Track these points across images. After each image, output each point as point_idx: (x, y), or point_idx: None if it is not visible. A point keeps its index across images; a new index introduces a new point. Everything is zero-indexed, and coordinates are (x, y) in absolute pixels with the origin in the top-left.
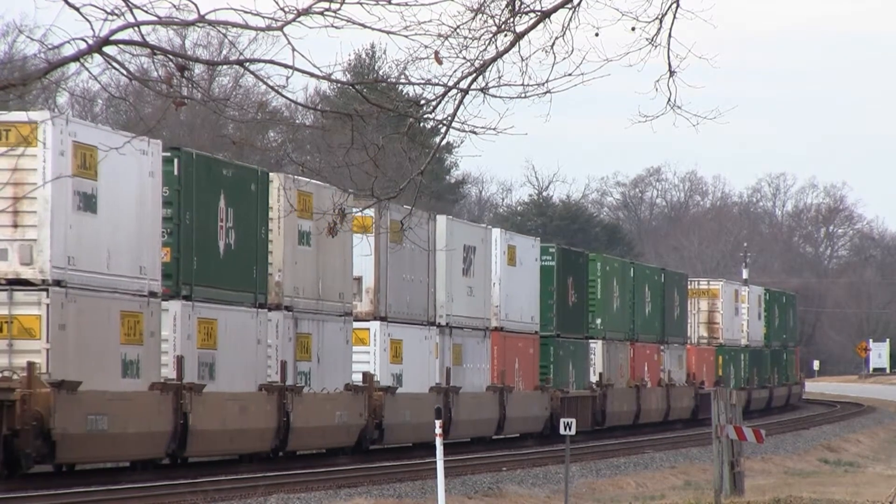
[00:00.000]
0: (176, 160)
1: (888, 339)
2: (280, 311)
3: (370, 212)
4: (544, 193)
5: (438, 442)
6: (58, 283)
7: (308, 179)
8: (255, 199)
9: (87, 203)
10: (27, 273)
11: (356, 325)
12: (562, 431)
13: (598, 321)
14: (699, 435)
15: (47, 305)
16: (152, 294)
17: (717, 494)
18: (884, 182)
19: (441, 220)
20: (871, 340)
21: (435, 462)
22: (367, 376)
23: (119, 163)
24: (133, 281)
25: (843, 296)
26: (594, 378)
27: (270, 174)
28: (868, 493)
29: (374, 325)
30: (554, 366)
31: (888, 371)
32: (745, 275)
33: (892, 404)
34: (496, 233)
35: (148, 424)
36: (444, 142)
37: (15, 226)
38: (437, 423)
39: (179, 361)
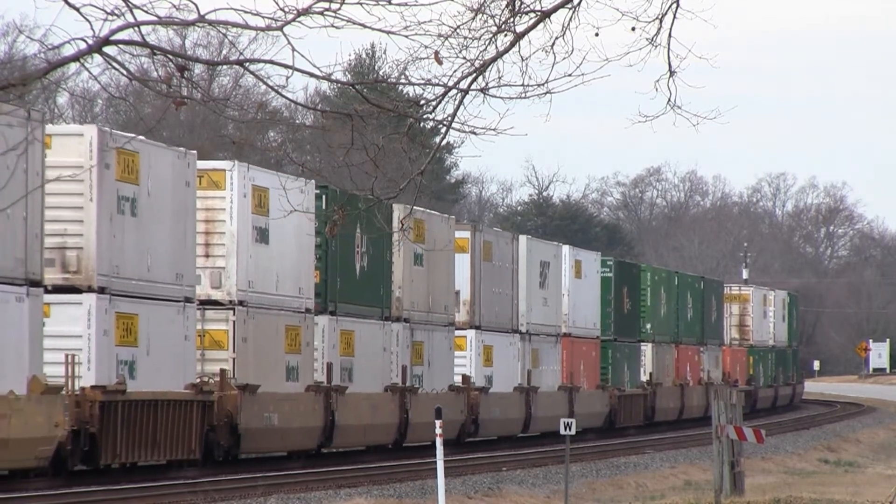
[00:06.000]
0: (324, 196)
1: (888, 339)
2: (400, 322)
3: (466, 234)
4: (544, 193)
5: (438, 442)
6: (241, 303)
7: (421, 209)
8: (382, 227)
9: (262, 236)
10: (216, 295)
11: (456, 333)
12: (562, 431)
13: (648, 326)
14: (699, 435)
15: (233, 322)
16: (307, 310)
17: (717, 494)
18: (884, 182)
19: (522, 239)
20: (871, 340)
21: (435, 462)
22: (465, 378)
23: (283, 200)
24: (294, 299)
25: (843, 296)
26: (644, 378)
27: (393, 205)
28: (868, 493)
29: (471, 333)
30: (612, 367)
31: (888, 371)
32: (745, 275)
33: (892, 404)
34: (566, 249)
35: (305, 420)
36: (444, 142)
37: (207, 256)
38: (438, 422)
39: (329, 367)
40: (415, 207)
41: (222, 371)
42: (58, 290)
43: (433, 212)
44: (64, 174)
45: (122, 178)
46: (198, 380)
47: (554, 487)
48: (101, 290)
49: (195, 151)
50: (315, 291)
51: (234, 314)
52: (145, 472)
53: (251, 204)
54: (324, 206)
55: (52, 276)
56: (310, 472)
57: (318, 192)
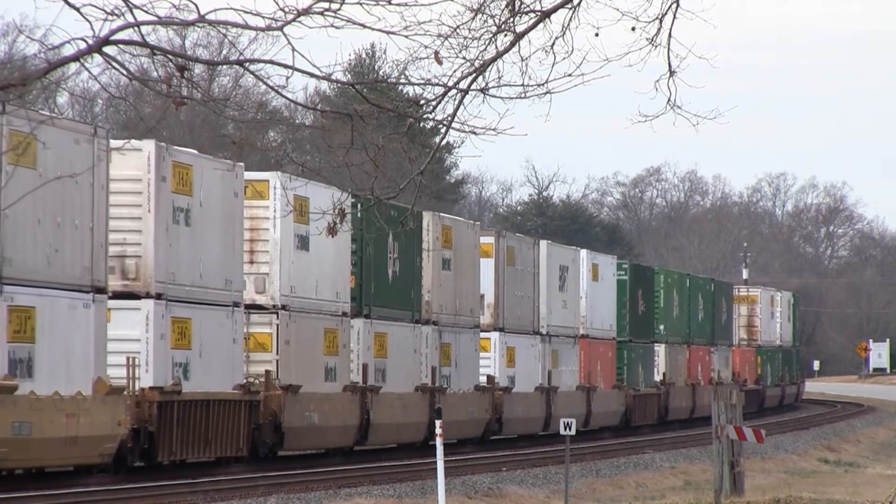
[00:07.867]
0: (358, 205)
1: (888, 339)
2: (429, 325)
3: (490, 239)
4: (544, 193)
5: (439, 442)
6: (283, 307)
7: (449, 215)
8: (412, 233)
9: (303, 243)
10: (261, 299)
11: (481, 335)
12: (562, 431)
13: (662, 327)
14: (699, 435)
15: (277, 325)
16: (344, 314)
17: (717, 494)
18: (884, 182)
19: (543, 244)
20: (871, 340)
21: (435, 462)
22: (490, 378)
23: (321, 209)
24: (332, 303)
25: (843, 296)
26: (658, 377)
27: (423, 213)
28: (868, 493)
29: (494, 335)
30: (627, 367)
31: (888, 371)
32: (745, 275)
33: (892, 404)
34: (583, 253)
35: (343, 419)
36: (444, 142)
37: (251, 262)
38: (438, 422)
39: (365, 368)
40: (442, 214)
41: (267, 372)
42: (118, 296)
43: (459, 218)
44: (122, 187)
45: (177, 190)
46: (245, 381)
47: (554, 487)
48: (159, 297)
49: (242, 164)
50: (350, 296)
51: (277, 318)
52: (190, 469)
53: (292, 213)
54: (358, 214)
55: (112, 283)
56: (310, 472)
57: (352, 200)
